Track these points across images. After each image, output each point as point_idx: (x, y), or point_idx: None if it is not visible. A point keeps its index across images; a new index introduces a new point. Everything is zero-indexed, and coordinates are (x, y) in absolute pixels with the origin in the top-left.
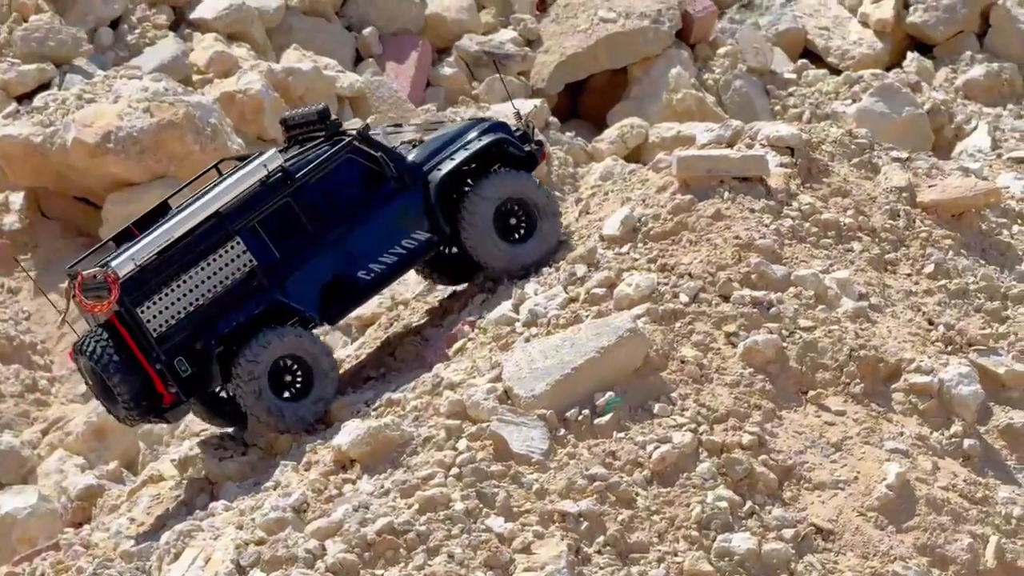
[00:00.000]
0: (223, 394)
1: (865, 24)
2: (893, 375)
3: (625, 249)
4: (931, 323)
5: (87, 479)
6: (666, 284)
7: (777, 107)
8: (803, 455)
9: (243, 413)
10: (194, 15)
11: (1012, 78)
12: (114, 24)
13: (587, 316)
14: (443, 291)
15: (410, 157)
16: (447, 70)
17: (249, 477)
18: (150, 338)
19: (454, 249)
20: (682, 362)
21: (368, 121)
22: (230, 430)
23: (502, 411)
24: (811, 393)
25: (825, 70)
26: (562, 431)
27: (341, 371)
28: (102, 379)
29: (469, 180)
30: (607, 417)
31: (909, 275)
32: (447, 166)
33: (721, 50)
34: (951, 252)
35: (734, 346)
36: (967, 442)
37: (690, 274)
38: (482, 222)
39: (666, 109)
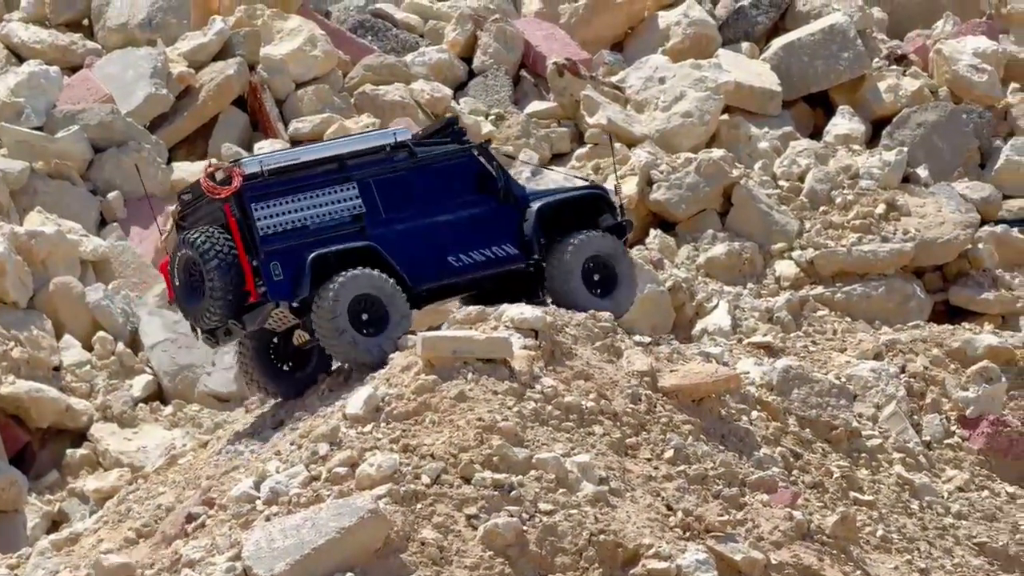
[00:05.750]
0: (280, 364)
1: None
2: (632, 560)
3: (368, 428)
4: (670, 508)
5: None
6: (408, 465)
7: None
8: None
9: (298, 382)
10: None
11: (752, 257)
12: None
13: (328, 495)
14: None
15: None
16: None
17: None
18: (256, 235)
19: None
20: (422, 544)
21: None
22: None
23: None
24: None
25: None
26: None
27: (74, 546)
28: (192, 276)
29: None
30: None
31: (649, 460)
32: (550, 198)
33: None
34: (691, 437)
35: (475, 528)
36: None
37: (432, 455)
38: (570, 267)
39: None
